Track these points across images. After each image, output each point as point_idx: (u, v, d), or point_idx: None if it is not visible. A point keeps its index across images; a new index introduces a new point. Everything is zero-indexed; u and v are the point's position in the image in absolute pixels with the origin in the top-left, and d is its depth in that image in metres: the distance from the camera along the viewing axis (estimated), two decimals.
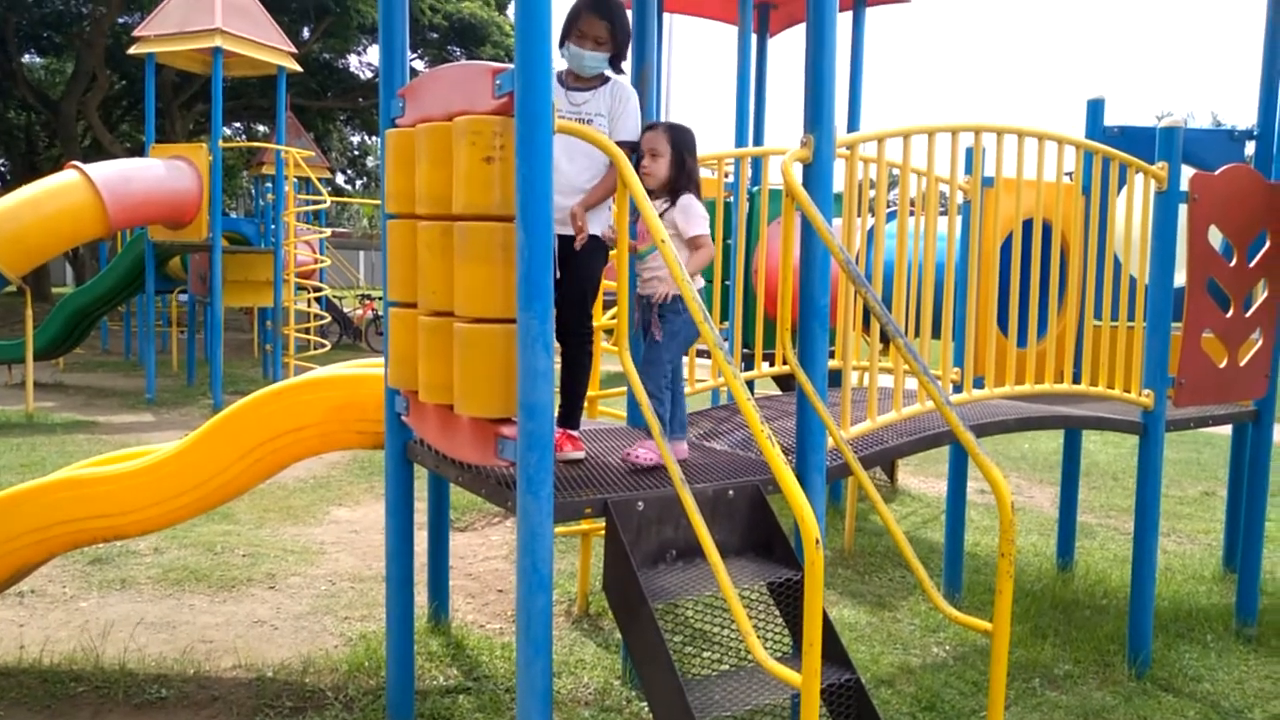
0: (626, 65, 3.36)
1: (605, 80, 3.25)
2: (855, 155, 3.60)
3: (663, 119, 7.25)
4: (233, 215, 19.32)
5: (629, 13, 3.46)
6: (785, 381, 6.89)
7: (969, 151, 4.46)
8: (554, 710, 3.79)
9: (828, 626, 2.86)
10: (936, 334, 4.74)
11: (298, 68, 12.09)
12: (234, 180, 32.75)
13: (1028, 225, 4.53)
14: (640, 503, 2.85)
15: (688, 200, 3.15)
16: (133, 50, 11.26)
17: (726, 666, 2.93)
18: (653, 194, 3.13)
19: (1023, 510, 7.67)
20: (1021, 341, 4.69)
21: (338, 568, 5.61)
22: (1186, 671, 4.46)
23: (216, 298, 11.37)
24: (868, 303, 2.82)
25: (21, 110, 27.53)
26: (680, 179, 3.16)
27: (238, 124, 29.69)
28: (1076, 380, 4.39)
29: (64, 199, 9.68)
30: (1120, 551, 6.41)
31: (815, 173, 3.13)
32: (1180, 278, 4.45)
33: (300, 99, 24.14)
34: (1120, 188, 4.59)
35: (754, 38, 7.56)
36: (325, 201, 13.90)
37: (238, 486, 3.73)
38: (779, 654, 3.00)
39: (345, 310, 19.29)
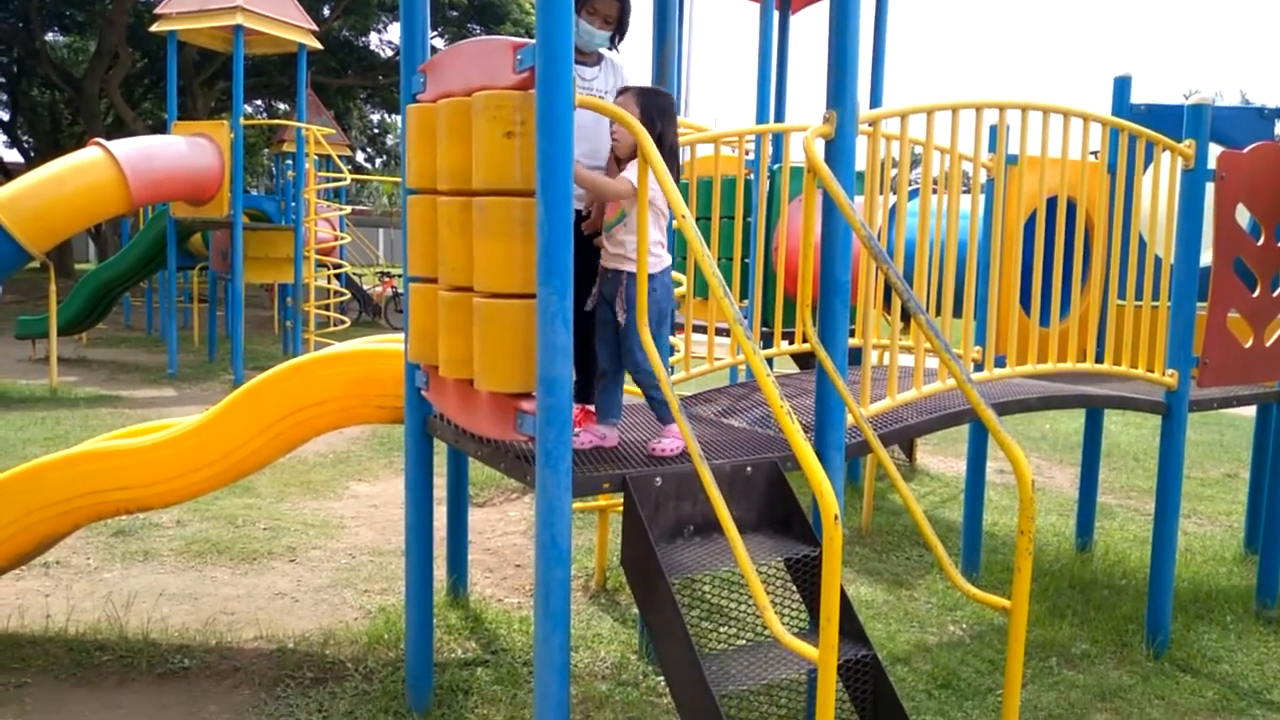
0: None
1: (601, 57, 3.24)
2: (878, 132, 3.57)
3: (683, 96, 7.16)
4: (254, 192, 19.40)
5: None
6: (804, 360, 6.87)
7: (993, 129, 4.43)
8: (571, 683, 3.83)
9: (845, 603, 2.87)
10: (958, 313, 4.72)
11: (318, 45, 12.08)
12: (255, 158, 32.86)
13: (1052, 203, 4.49)
14: (658, 478, 2.86)
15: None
16: (154, 28, 11.28)
17: (743, 641, 2.94)
18: (620, 162, 3.01)
19: (1042, 490, 7.64)
20: (1044, 320, 4.66)
21: (357, 541, 5.66)
22: (1205, 652, 4.44)
23: (237, 274, 11.43)
24: (890, 279, 2.81)
25: (45, 88, 27.73)
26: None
27: (259, 101, 29.76)
28: (1099, 360, 4.36)
29: (87, 176, 9.73)
30: (1140, 532, 6.38)
31: (837, 149, 3.11)
32: (1206, 257, 4.40)
33: (321, 77, 24.15)
34: (1146, 166, 4.53)
35: (775, 14, 7.50)
36: (345, 179, 13.93)
37: (258, 460, 3.77)
38: (796, 629, 3.01)
39: (365, 287, 19.36)
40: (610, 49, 3.24)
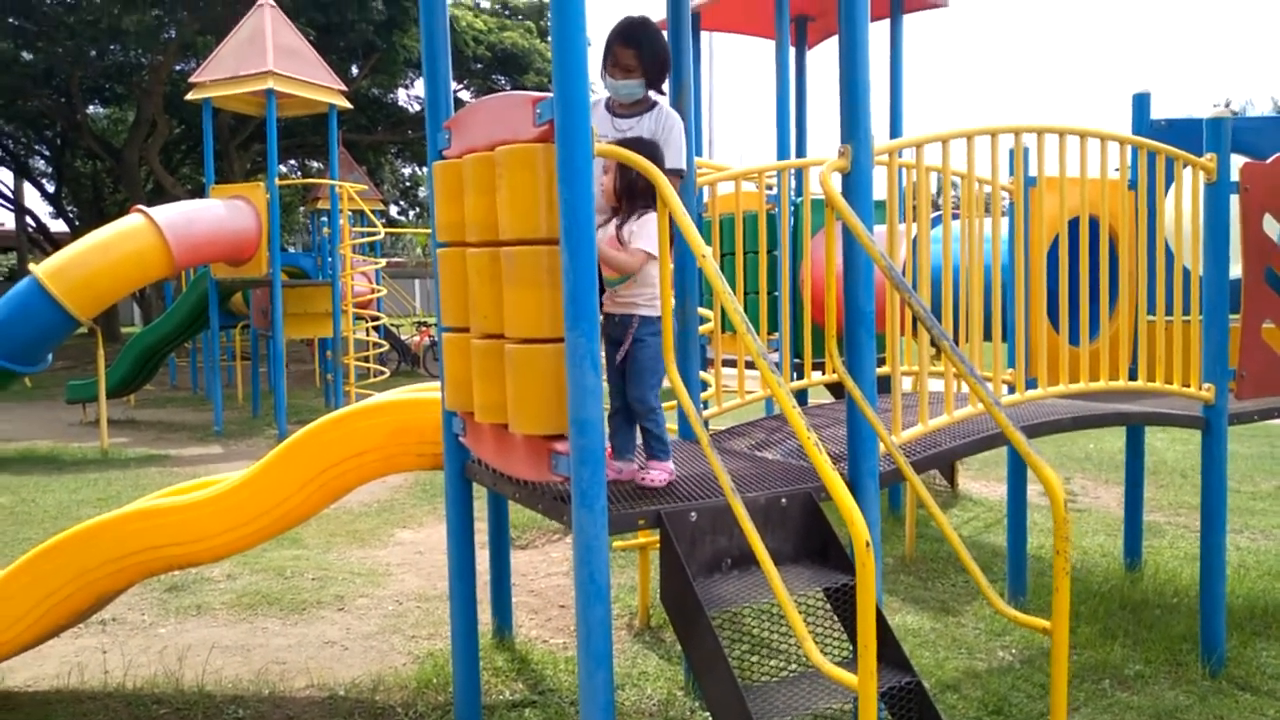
0: (666, 86, 3.44)
1: (652, 105, 3.31)
2: (894, 161, 3.63)
3: (705, 136, 7.27)
4: (291, 250, 19.80)
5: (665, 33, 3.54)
6: (839, 389, 6.89)
7: (1011, 153, 4.47)
8: None
9: (885, 629, 2.88)
10: (989, 336, 4.72)
11: (347, 104, 12.41)
12: (292, 216, 33.59)
13: (1076, 224, 4.51)
14: (693, 513, 2.90)
15: (647, 216, 3.00)
16: (190, 96, 11.66)
17: (787, 673, 2.96)
18: (602, 210, 3.02)
19: (1089, 511, 7.55)
20: (1074, 340, 4.66)
21: (404, 588, 5.73)
22: (1265, 670, 4.36)
23: (278, 330, 11.68)
24: (912, 308, 2.85)
25: (88, 159, 28.60)
26: (630, 194, 3.02)
27: (293, 161, 30.49)
28: (1133, 377, 4.34)
29: (131, 243, 10.04)
30: (1190, 549, 6.27)
31: (854, 182, 3.17)
32: (1237, 269, 4.39)
33: (352, 134, 24.73)
34: (1169, 183, 4.54)
35: (792, 51, 7.62)
36: (379, 233, 14.21)
37: (303, 512, 3.86)
38: (839, 659, 3.02)
39: (403, 337, 19.64)
40: (652, 92, 3.29)
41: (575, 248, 2.66)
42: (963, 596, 5.42)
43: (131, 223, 10.26)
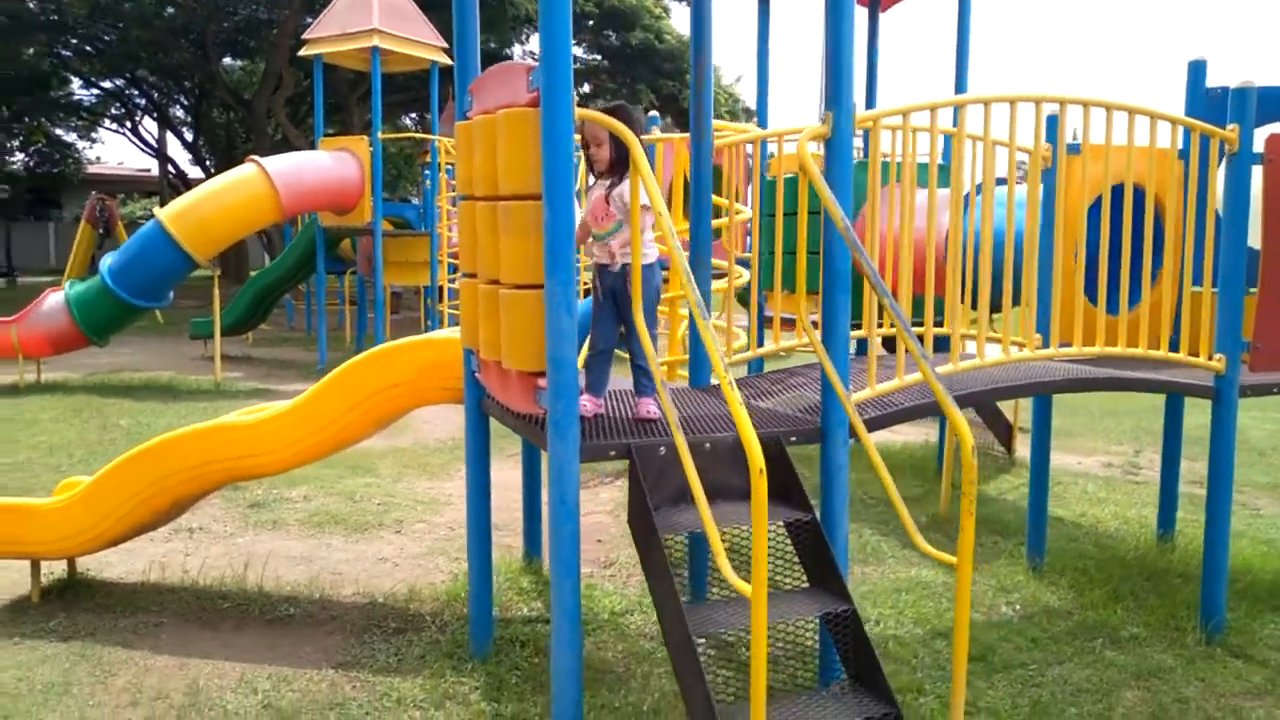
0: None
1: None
2: (908, 125, 3.80)
3: (767, 102, 7.39)
4: (413, 201, 20.64)
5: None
6: (890, 343, 7.02)
7: (1051, 119, 4.55)
8: (620, 641, 4.22)
9: (830, 562, 3.15)
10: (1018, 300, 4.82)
11: (449, 61, 12.90)
12: (412, 168, 34.74)
13: (1116, 192, 4.56)
14: (662, 448, 3.20)
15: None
16: (303, 52, 12.35)
17: (725, 595, 3.25)
18: (601, 175, 3.39)
19: (1148, 484, 7.49)
20: (1112, 308, 4.71)
21: (458, 516, 6.20)
22: (1265, 640, 4.42)
23: (379, 277, 12.37)
24: (861, 269, 3.06)
25: (223, 110, 30.23)
26: (621, 163, 3.30)
27: (413, 115, 31.48)
28: (1175, 347, 4.37)
29: (243, 190, 10.80)
30: (1237, 525, 6.21)
31: (834, 148, 3.37)
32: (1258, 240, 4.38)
33: None
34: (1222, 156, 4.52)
35: (865, 12, 7.66)
36: None
37: (350, 434, 4.32)
38: (795, 586, 3.31)
39: None
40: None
41: (555, 203, 2.98)
42: (985, 556, 5.57)
43: (245, 171, 11.02)
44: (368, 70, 12.56)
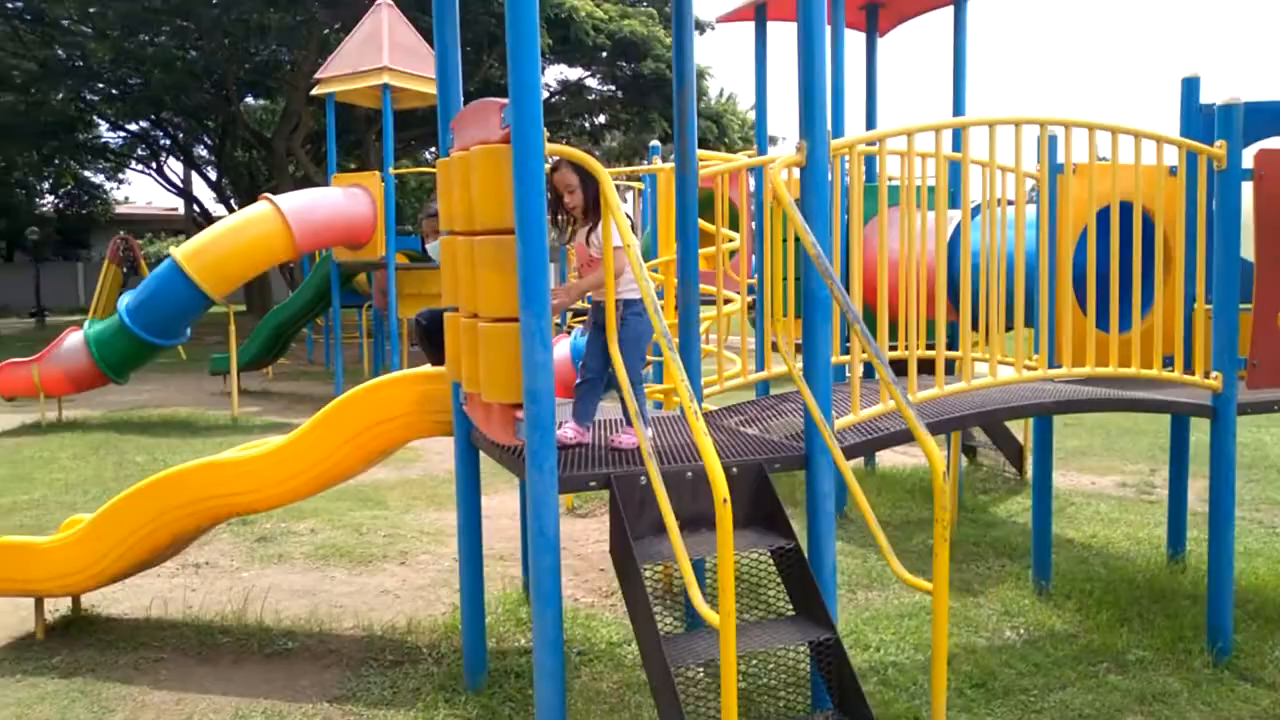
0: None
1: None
2: (910, 149, 3.81)
3: (768, 130, 7.43)
4: (414, 234, 20.86)
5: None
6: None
7: (1040, 139, 4.55)
8: (617, 672, 4.21)
9: (813, 591, 3.13)
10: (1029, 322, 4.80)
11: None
12: (428, 200, 35.12)
13: (1103, 214, 4.54)
14: (642, 477, 3.20)
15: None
16: (315, 91, 12.55)
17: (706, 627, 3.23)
18: (578, 222, 3.49)
19: (1161, 504, 7.39)
20: (1103, 326, 4.68)
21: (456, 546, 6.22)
22: (1276, 662, 4.33)
23: (393, 310, 12.48)
24: (833, 292, 3.06)
25: (245, 149, 30.76)
26: (595, 206, 3.38)
27: (432, 150, 31.86)
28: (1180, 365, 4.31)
29: (257, 227, 10.95)
30: (1254, 544, 6.14)
31: (810, 176, 3.39)
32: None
33: None
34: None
35: (863, 38, 7.70)
36: None
37: (343, 469, 4.35)
38: (779, 614, 3.29)
39: None
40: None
41: (527, 237, 3.01)
42: (990, 579, 5.51)
43: (259, 209, 11.19)
44: (377, 107, 12.73)
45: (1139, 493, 7.66)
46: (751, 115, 29.86)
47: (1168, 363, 4.40)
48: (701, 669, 4.03)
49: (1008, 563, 5.81)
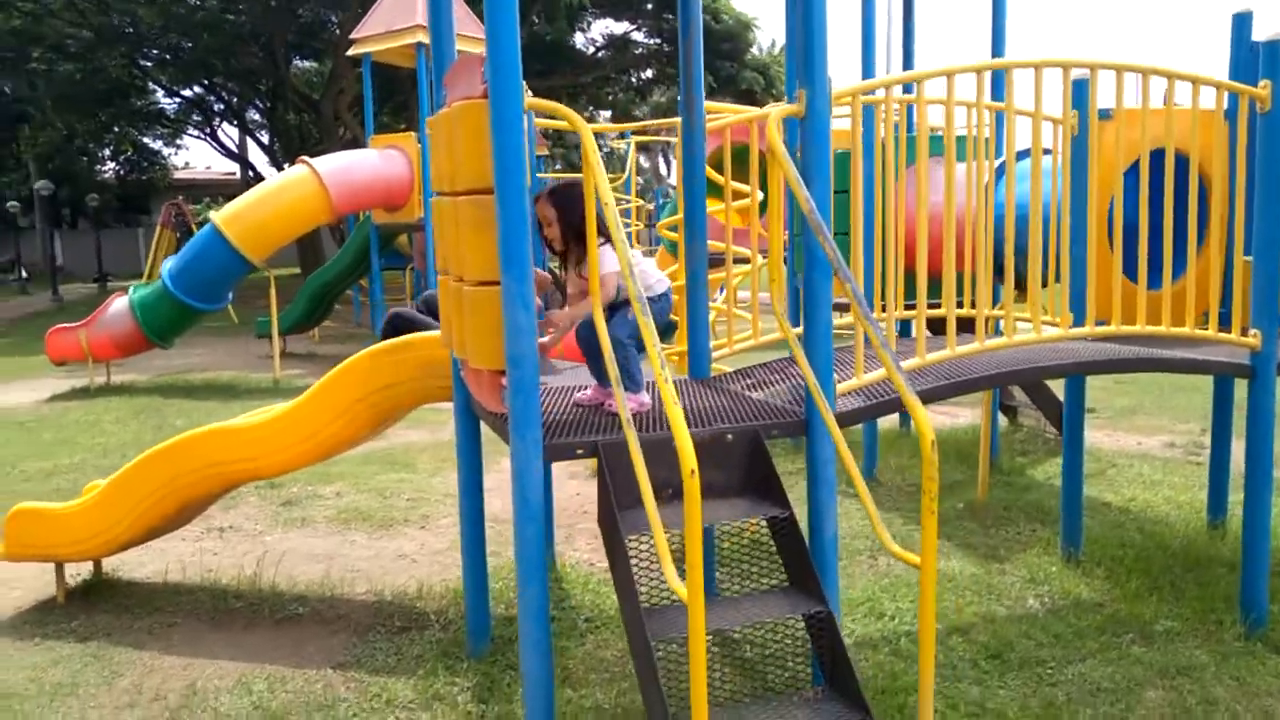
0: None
1: None
2: (922, 97, 3.62)
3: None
4: None
5: None
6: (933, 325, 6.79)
7: (1077, 84, 4.31)
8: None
9: (807, 565, 3.02)
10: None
11: None
12: None
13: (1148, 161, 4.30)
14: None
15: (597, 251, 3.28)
16: (351, 51, 12.51)
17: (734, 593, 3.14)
18: (562, 254, 3.48)
19: (1203, 465, 7.11)
20: (1136, 280, 4.45)
21: (486, 511, 6.19)
22: None
23: (431, 272, 12.49)
24: (826, 252, 2.91)
25: (296, 112, 30.96)
26: (579, 237, 3.35)
27: None
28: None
29: (295, 191, 10.99)
30: None
31: (810, 128, 3.22)
32: None
33: (527, 79, 25.61)
34: None
35: None
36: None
37: (346, 436, 4.32)
38: (775, 585, 3.19)
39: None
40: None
41: (507, 197, 2.90)
42: (1017, 546, 5.34)
43: (296, 172, 11.22)
44: (412, 66, 12.65)
45: (1186, 454, 7.37)
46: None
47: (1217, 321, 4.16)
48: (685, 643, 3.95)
49: (1039, 528, 5.62)
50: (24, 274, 30.93)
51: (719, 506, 3.18)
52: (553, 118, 3.70)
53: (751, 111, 5.39)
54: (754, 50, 27.80)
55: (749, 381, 4.12)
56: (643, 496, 2.60)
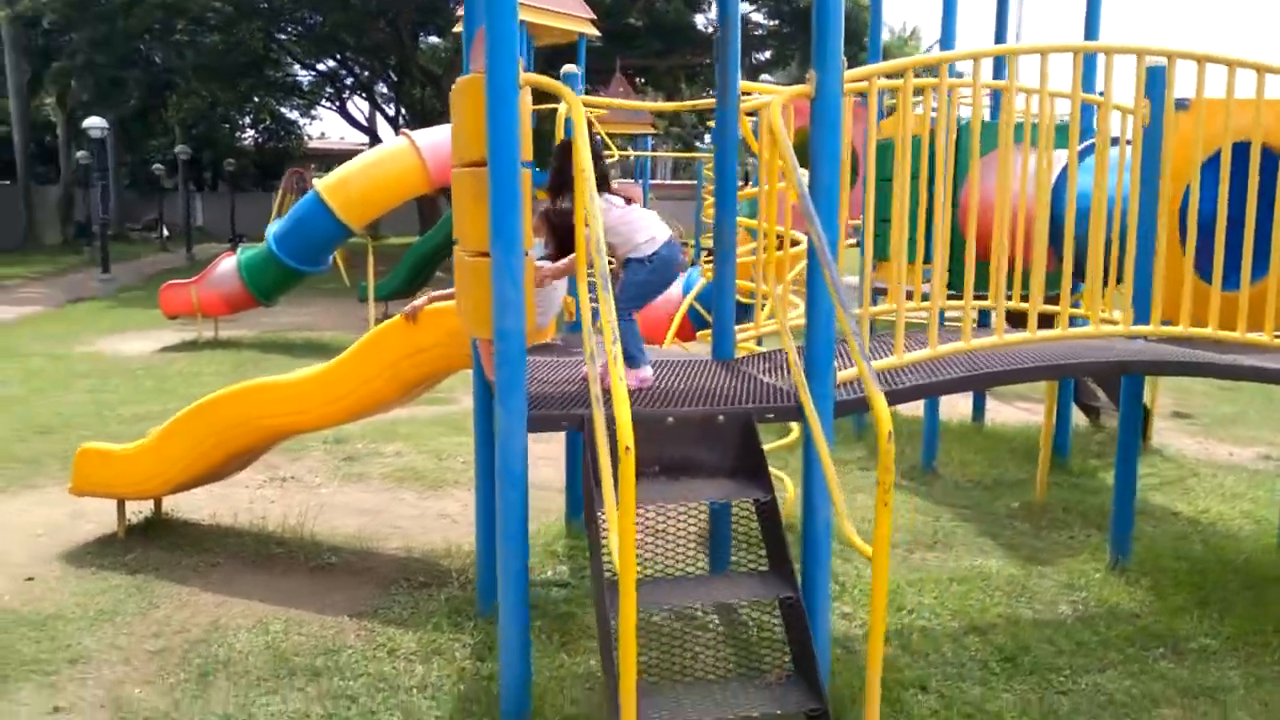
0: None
1: None
2: (944, 82, 3.51)
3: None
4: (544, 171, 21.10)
5: None
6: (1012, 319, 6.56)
7: (1151, 71, 4.12)
8: None
9: (783, 550, 3.00)
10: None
11: (595, 33, 12.99)
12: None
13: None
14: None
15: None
16: (456, 29, 12.74)
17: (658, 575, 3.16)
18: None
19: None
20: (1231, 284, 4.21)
21: (535, 477, 6.22)
22: None
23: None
24: (815, 243, 2.86)
25: (420, 87, 31.84)
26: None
27: (587, 85, 31.98)
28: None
29: (394, 162, 11.29)
30: None
31: (821, 110, 3.16)
32: None
33: (647, 60, 25.78)
34: None
35: None
36: (613, 156, 14.81)
37: (381, 396, 4.47)
38: (754, 568, 3.18)
39: None
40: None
41: (499, 170, 2.96)
42: (1064, 550, 5.14)
43: (396, 144, 11.54)
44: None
45: (1279, 468, 6.93)
46: (936, 50, 28.37)
47: None
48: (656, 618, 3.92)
49: (1094, 533, 5.38)
50: (165, 232, 32.76)
51: (706, 486, 3.18)
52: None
53: (788, 91, 5.30)
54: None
55: (768, 364, 4.09)
56: (600, 473, 2.63)
